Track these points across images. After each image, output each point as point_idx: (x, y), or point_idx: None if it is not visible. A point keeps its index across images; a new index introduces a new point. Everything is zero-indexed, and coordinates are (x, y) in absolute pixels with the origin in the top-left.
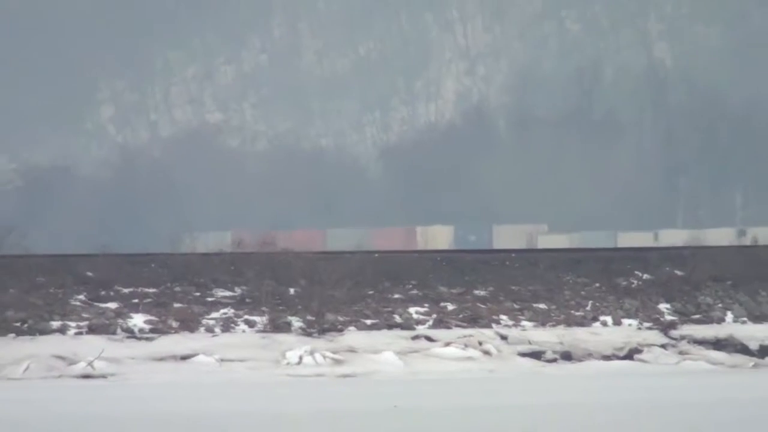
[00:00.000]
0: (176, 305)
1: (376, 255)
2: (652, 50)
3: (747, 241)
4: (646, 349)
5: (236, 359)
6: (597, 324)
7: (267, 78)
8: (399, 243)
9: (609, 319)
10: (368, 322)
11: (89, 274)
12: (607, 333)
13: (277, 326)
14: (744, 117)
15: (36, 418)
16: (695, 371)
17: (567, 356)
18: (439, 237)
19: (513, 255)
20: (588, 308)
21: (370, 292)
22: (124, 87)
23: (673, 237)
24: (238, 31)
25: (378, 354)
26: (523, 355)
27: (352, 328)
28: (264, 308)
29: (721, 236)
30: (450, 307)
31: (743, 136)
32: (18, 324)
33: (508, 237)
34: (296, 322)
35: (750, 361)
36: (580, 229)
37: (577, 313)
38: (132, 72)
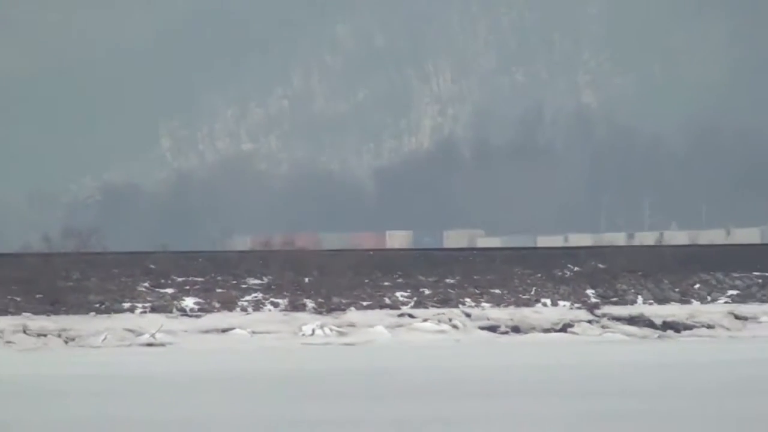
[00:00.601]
0: (218, 290)
1: (371, 252)
2: (581, 96)
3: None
4: (576, 324)
5: (264, 331)
6: (539, 305)
7: (287, 117)
8: (373, 244)
9: (548, 301)
10: (364, 303)
11: (152, 266)
12: (547, 312)
13: (295, 306)
14: (651, 147)
15: (112, 377)
16: (613, 341)
17: (516, 329)
18: (402, 240)
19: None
20: (532, 293)
21: (366, 281)
22: (178, 125)
23: (588, 240)
24: (266, 82)
25: (372, 328)
26: (483, 328)
27: (352, 308)
28: (285, 293)
29: (633, 238)
30: (427, 291)
31: (650, 162)
32: (98, 305)
33: (454, 239)
34: (310, 304)
35: (655, 333)
36: (510, 233)
37: (524, 297)
38: (184, 113)
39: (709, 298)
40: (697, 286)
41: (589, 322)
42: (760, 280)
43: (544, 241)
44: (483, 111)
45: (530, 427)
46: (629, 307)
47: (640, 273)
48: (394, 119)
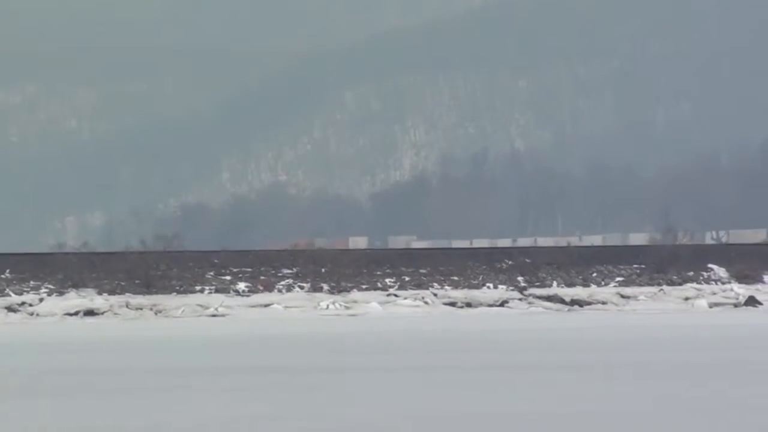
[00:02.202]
0: (261, 278)
1: (368, 251)
2: (514, 143)
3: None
4: (510, 301)
5: (293, 306)
6: (485, 287)
7: (310, 157)
8: (341, 246)
9: (491, 285)
10: (363, 286)
11: (215, 261)
12: (490, 293)
13: (315, 289)
14: (563, 178)
15: (189, 338)
16: (536, 312)
17: (469, 305)
18: (360, 243)
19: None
20: (480, 279)
21: (364, 271)
22: (235, 161)
23: (523, 242)
24: (295, 132)
25: (368, 303)
26: (446, 304)
27: (355, 290)
28: (308, 279)
29: (551, 241)
30: (407, 278)
31: (562, 189)
32: (178, 288)
33: (396, 242)
34: (325, 287)
35: (565, 307)
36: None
37: (474, 282)
38: (239, 152)
39: (603, 283)
40: (595, 274)
41: (520, 299)
42: (638, 271)
43: (477, 243)
44: (446, 154)
45: (480, 373)
46: (547, 289)
47: (555, 265)
48: (384, 159)
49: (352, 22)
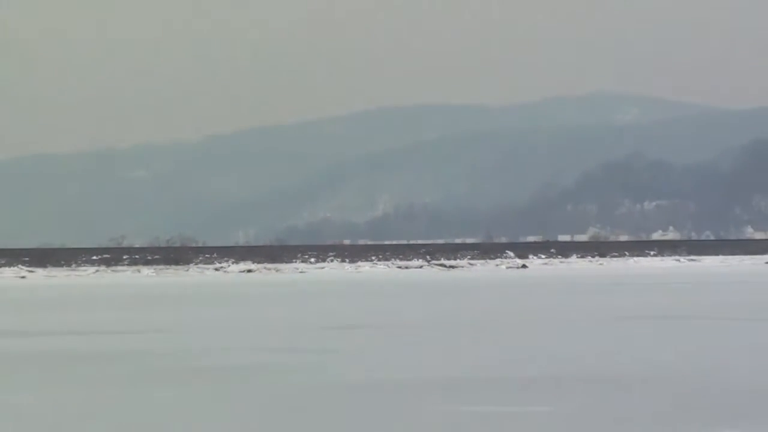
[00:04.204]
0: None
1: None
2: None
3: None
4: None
5: (331, 269)
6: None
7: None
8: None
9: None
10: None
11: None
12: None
13: (341, 262)
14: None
15: (294, 282)
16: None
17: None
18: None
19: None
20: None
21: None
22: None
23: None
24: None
25: (369, 268)
26: (398, 267)
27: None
28: (338, 257)
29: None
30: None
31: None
32: (296, 261)
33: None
34: (346, 261)
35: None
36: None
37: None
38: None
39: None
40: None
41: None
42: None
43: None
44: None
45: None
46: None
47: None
48: (380, 195)
49: None
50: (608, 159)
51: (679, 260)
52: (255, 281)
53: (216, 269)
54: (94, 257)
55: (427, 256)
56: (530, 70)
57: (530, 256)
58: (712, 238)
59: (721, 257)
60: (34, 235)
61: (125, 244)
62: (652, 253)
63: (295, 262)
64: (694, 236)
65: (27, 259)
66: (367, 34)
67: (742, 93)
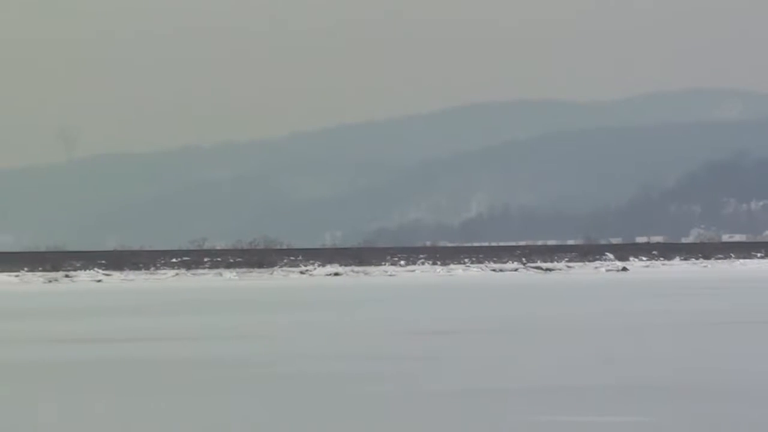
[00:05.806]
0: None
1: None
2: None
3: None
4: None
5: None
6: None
7: (430, 219)
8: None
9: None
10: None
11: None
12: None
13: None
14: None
15: (371, 286)
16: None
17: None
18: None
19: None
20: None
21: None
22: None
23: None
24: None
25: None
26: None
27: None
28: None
29: None
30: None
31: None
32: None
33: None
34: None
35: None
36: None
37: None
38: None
39: None
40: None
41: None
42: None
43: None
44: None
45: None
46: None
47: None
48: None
49: None
50: (711, 157)
51: None
52: (342, 285)
53: (301, 272)
54: (174, 260)
55: (523, 259)
56: (623, 66)
57: (631, 258)
58: None
59: None
60: (112, 237)
61: (206, 246)
62: (759, 254)
63: (384, 264)
64: None
65: (103, 261)
66: (458, 27)
67: None
